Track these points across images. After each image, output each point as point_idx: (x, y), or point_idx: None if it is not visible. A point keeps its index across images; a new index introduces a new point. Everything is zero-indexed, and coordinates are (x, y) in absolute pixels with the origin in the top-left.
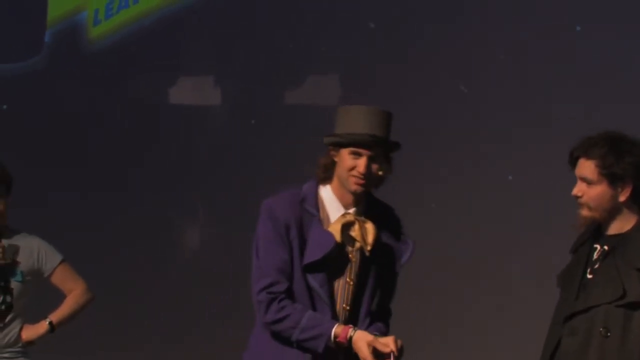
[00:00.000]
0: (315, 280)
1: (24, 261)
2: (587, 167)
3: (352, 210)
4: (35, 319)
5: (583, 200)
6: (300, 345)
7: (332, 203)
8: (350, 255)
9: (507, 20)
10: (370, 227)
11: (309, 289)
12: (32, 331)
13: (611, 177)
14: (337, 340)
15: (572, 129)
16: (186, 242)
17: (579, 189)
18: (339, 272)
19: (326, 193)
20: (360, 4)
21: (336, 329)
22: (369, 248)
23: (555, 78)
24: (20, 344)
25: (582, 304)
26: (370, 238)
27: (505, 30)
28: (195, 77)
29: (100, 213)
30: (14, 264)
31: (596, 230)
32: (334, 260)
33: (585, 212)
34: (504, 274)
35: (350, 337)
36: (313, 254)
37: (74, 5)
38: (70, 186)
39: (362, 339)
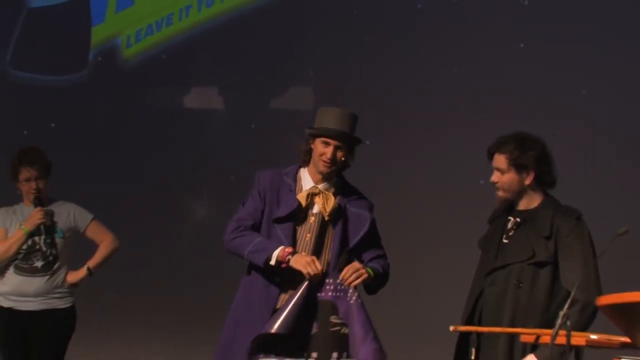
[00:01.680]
0: (281, 231)
1: (62, 222)
2: (499, 160)
3: (320, 186)
4: (76, 266)
5: (499, 185)
6: (255, 261)
7: (306, 180)
8: (311, 217)
9: (459, 36)
10: (331, 199)
11: (278, 239)
12: (75, 276)
13: (518, 166)
14: (278, 259)
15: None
16: (194, 220)
17: (495, 176)
18: (301, 229)
19: (304, 173)
20: (336, 33)
21: (279, 251)
22: (327, 214)
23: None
24: (66, 287)
25: (501, 262)
26: (329, 207)
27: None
28: (202, 87)
29: (128, 198)
30: (54, 224)
31: (510, 206)
32: (299, 219)
33: (501, 194)
34: None
35: (289, 259)
36: (281, 211)
37: (112, 32)
38: (103, 174)
39: (300, 257)
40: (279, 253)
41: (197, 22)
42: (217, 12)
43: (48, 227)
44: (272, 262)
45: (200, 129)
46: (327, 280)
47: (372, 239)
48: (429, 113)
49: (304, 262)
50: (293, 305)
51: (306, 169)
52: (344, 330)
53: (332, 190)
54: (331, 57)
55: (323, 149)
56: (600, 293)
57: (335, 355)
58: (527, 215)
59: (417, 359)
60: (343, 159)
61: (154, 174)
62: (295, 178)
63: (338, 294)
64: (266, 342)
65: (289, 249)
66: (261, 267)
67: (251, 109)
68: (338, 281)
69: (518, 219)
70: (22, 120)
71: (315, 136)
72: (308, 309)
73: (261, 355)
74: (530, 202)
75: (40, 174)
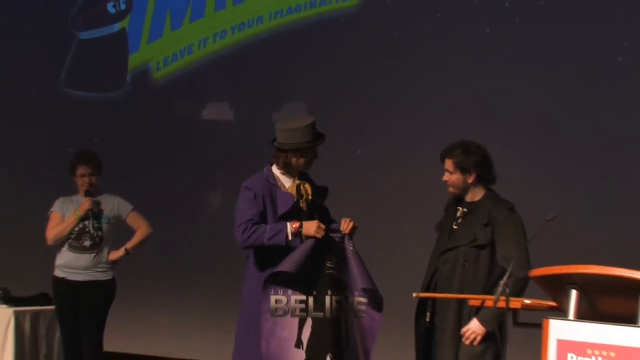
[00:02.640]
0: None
1: (108, 210)
2: (448, 164)
3: (296, 179)
4: (117, 247)
5: (449, 183)
6: (271, 246)
7: (283, 177)
8: (302, 205)
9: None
10: (308, 185)
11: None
12: (115, 254)
13: (462, 169)
14: (293, 229)
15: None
16: (211, 210)
17: (446, 176)
18: (298, 217)
19: (276, 171)
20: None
21: (289, 228)
22: (310, 197)
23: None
24: (108, 263)
25: (451, 244)
26: (309, 191)
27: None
28: (217, 103)
29: (158, 192)
30: (101, 212)
31: (459, 198)
32: (295, 210)
33: (451, 190)
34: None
35: (301, 231)
36: (284, 207)
37: (145, 59)
38: (138, 172)
39: (308, 225)
40: (290, 230)
41: (212, 51)
42: (229, 43)
43: (96, 214)
44: (290, 238)
45: (215, 136)
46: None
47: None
48: (404, 121)
49: (314, 230)
50: (303, 254)
51: (274, 166)
52: (336, 274)
53: (299, 177)
54: (320, 80)
55: (303, 160)
56: (530, 269)
57: (329, 292)
58: (471, 206)
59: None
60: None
61: (179, 172)
62: (274, 178)
63: (336, 241)
64: (279, 280)
65: (296, 224)
66: (260, 258)
67: (255, 121)
68: (337, 234)
69: (465, 210)
70: (72, 129)
71: (286, 149)
72: (313, 259)
73: (274, 289)
74: (474, 196)
75: (93, 172)
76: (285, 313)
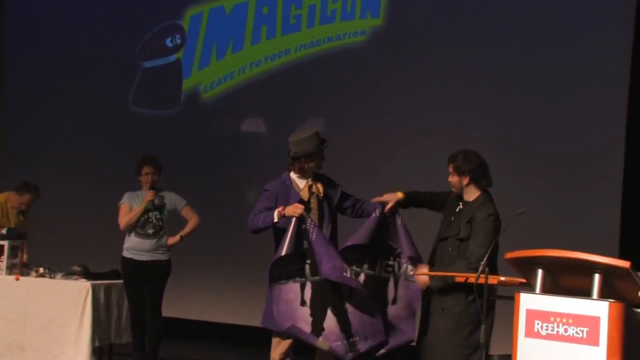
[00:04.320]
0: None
1: (167, 204)
2: (450, 167)
3: (309, 180)
4: (173, 233)
5: (451, 183)
6: (267, 227)
7: (298, 180)
8: (312, 201)
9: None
10: (320, 185)
11: None
12: (172, 240)
13: (459, 172)
14: (278, 212)
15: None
16: (248, 204)
17: (450, 178)
18: (313, 214)
19: (293, 175)
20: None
21: (276, 211)
22: (321, 194)
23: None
24: (166, 246)
25: (445, 234)
26: (321, 190)
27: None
28: (253, 118)
29: (207, 190)
30: (163, 205)
31: (460, 195)
32: (306, 207)
33: (454, 189)
34: None
35: (283, 213)
36: (291, 203)
37: (195, 82)
38: (190, 173)
39: (288, 208)
40: (276, 213)
41: (249, 76)
42: (263, 70)
43: (158, 207)
44: (276, 219)
45: (251, 144)
46: (309, 219)
47: (346, 197)
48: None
49: (291, 209)
50: (289, 232)
51: (292, 172)
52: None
53: (313, 178)
54: (335, 99)
55: (312, 164)
56: (479, 266)
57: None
58: (466, 204)
59: None
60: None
61: (222, 174)
62: (290, 181)
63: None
64: (280, 269)
65: (280, 208)
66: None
67: (284, 133)
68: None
69: (461, 206)
70: (137, 138)
71: (303, 157)
72: (301, 238)
73: (278, 282)
74: (470, 195)
75: (155, 171)
76: (287, 279)
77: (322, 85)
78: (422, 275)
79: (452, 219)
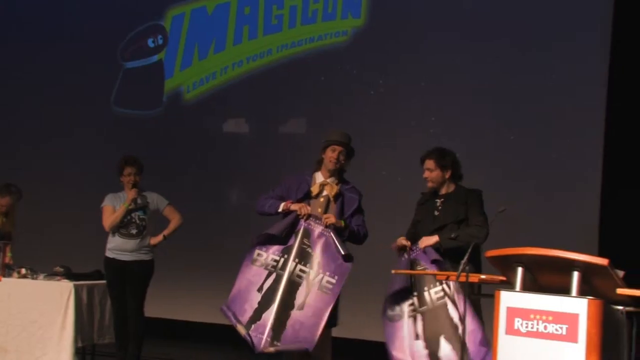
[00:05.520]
0: None
1: (150, 204)
2: (429, 163)
3: (328, 180)
4: (156, 233)
5: (429, 179)
6: (271, 211)
7: (318, 177)
8: (321, 199)
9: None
10: (334, 187)
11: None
12: (155, 239)
13: (441, 166)
14: (284, 207)
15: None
16: (230, 203)
17: (426, 174)
18: (314, 204)
19: (317, 174)
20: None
21: (284, 204)
22: (332, 196)
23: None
24: (149, 246)
25: (437, 224)
26: (333, 192)
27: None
28: (235, 118)
29: (189, 189)
30: (146, 204)
31: (434, 192)
32: (314, 200)
33: (430, 184)
34: None
35: (290, 206)
36: (299, 194)
37: (177, 83)
38: (171, 172)
39: (297, 204)
40: (282, 205)
41: (231, 76)
42: (245, 70)
43: (140, 207)
44: (280, 209)
45: (233, 144)
46: (312, 218)
47: (358, 213)
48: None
49: (298, 206)
50: (286, 221)
51: (319, 172)
52: (309, 249)
53: (336, 182)
54: (316, 98)
55: (331, 154)
56: (487, 229)
57: (296, 260)
58: (447, 196)
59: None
60: (343, 161)
61: (205, 173)
62: (312, 177)
63: (317, 227)
64: (266, 239)
65: (288, 203)
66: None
67: (266, 132)
68: (324, 223)
69: (443, 199)
70: (119, 138)
71: (327, 146)
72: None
73: (259, 245)
74: (447, 189)
75: (137, 171)
76: (261, 265)
77: (304, 85)
78: (432, 237)
79: (437, 212)
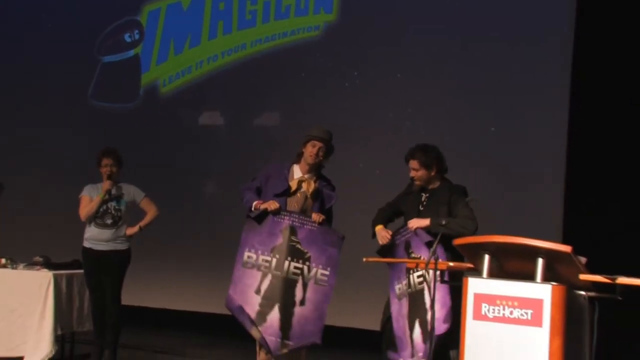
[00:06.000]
0: (278, 202)
1: (125, 196)
2: (414, 163)
3: (306, 175)
4: (132, 224)
5: (416, 177)
6: (247, 206)
7: (296, 171)
8: (299, 194)
9: None
10: (312, 184)
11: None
12: (131, 230)
13: (425, 165)
14: (255, 206)
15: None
16: (205, 195)
17: (412, 173)
18: (291, 201)
19: (295, 167)
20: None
21: (255, 202)
22: (308, 194)
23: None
24: (125, 236)
25: (423, 217)
26: (310, 189)
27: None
28: (210, 111)
29: (163, 181)
30: (121, 196)
31: (421, 188)
32: (291, 195)
33: (417, 183)
34: None
35: (259, 206)
36: (278, 189)
37: (154, 77)
38: (147, 164)
39: (266, 203)
40: (255, 204)
41: (206, 70)
42: (220, 64)
43: (115, 197)
44: (252, 209)
45: (208, 137)
46: (284, 213)
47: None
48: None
49: (267, 204)
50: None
51: (298, 165)
52: (299, 246)
53: (314, 178)
54: (289, 92)
55: (311, 149)
56: (476, 228)
57: (289, 258)
58: (432, 192)
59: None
60: (322, 157)
61: (180, 165)
62: (289, 170)
63: (303, 224)
64: (251, 253)
65: (259, 204)
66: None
67: (240, 125)
68: (312, 220)
69: (428, 194)
70: (97, 131)
71: (308, 140)
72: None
73: (248, 247)
74: (434, 184)
75: (114, 163)
76: (253, 267)
77: (278, 79)
78: (423, 220)
79: (422, 207)
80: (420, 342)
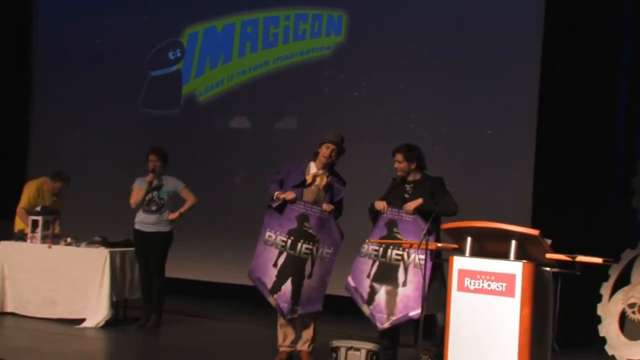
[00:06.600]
0: (296, 193)
1: (168, 186)
2: (399, 156)
3: (320, 171)
4: (174, 210)
5: (399, 169)
6: (270, 196)
7: (312, 168)
8: (313, 187)
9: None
10: (324, 179)
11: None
12: (172, 215)
13: (408, 159)
14: (275, 196)
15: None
16: (236, 187)
17: (396, 165)
18: (306, 192)
19: (312, 164)
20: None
21: (276, 192)
22: (321, 187)
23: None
24: (167, 221)
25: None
26: (322, 183)
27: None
28: (240, 117)
29: (202, 177)
30: (161, 186)
31: (403, 179)
32: (307, 188)
33: (399, 174)
34: None
35: (278, 195)
36: (295, 181)
37: (193, 88)
38: (187, 163)
39: (284, 192)
40: (276, 194)
41: (236, 83)
42: (247, 78)
43: (156, 187)
44: (274, 198)
45: (239, 139)
46: (300, 202)
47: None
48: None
49: (284, 195)
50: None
51: (314, 162)
52: (310, 230)
53: (327, 174)
54: (306, 101)
55: (325, 150)
56: (456, 205)
57: (302, 240)
58: (415, 183)
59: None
60: (334, 157)
61: (213, 162)
62: (307, 166)
63: (315, 213)
64: (272, 233)
65: (280, 192)
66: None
67: (264, 128)
68: (323, 210)
69: (412, 185)
70: (146, 133)
71: (322, 143)
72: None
73: (269, 227)
74: (414, 177)
75: (159, 159)
76: (272, 244)
77: (296, 90)
78: (416, 200)
79: (407, 196)
80: (383, 307)
